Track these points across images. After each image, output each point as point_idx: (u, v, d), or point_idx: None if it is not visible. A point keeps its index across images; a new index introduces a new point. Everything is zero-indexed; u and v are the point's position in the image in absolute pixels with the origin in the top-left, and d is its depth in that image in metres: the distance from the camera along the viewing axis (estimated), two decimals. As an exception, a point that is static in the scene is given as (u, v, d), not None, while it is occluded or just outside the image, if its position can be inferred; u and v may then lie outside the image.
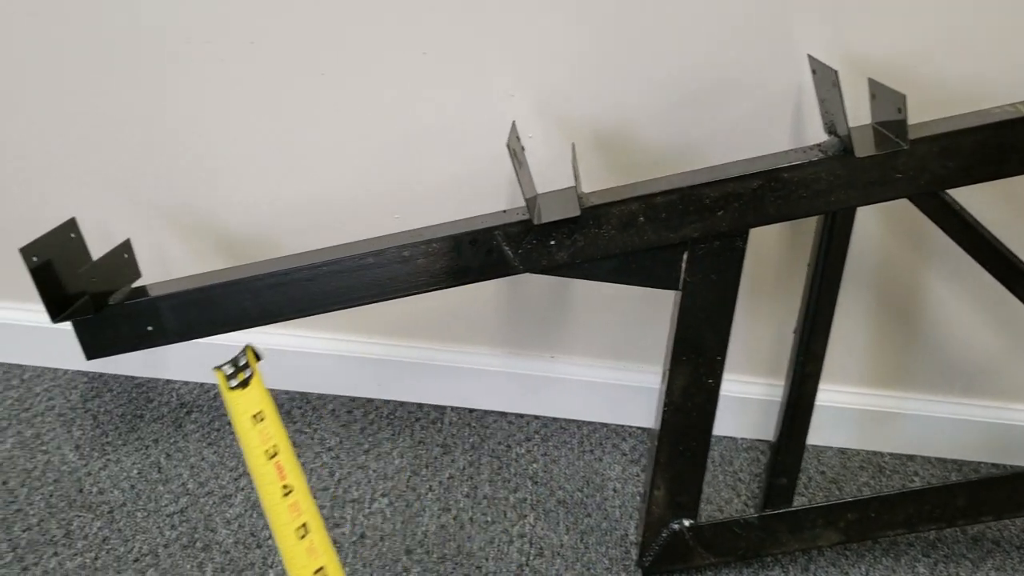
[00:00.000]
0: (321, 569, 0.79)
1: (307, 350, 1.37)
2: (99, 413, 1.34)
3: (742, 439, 1.39)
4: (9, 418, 1.31)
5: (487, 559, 1.13)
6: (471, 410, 1.41)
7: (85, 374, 1.42)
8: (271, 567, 1.09)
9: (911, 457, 1.39)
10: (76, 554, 1.09)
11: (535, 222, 0.92)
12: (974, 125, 0.88)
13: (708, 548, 1.10)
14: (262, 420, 0.87)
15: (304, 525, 0.80)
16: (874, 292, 1.26)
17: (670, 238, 0.93)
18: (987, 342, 1.29)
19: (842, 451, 1.39)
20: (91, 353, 1.03)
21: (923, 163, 0.89)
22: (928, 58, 1.06)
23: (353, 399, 1.41)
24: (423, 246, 0.95)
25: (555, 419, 1.41)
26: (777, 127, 1.11)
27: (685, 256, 0.95)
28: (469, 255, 0.95)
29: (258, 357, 0.95)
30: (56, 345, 1.39)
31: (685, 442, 1.04)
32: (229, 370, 0.93)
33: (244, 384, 0.91)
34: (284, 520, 0.81)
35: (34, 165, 1.23)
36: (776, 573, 1.15)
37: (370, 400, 1.41)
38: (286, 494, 0.82)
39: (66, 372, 1.42)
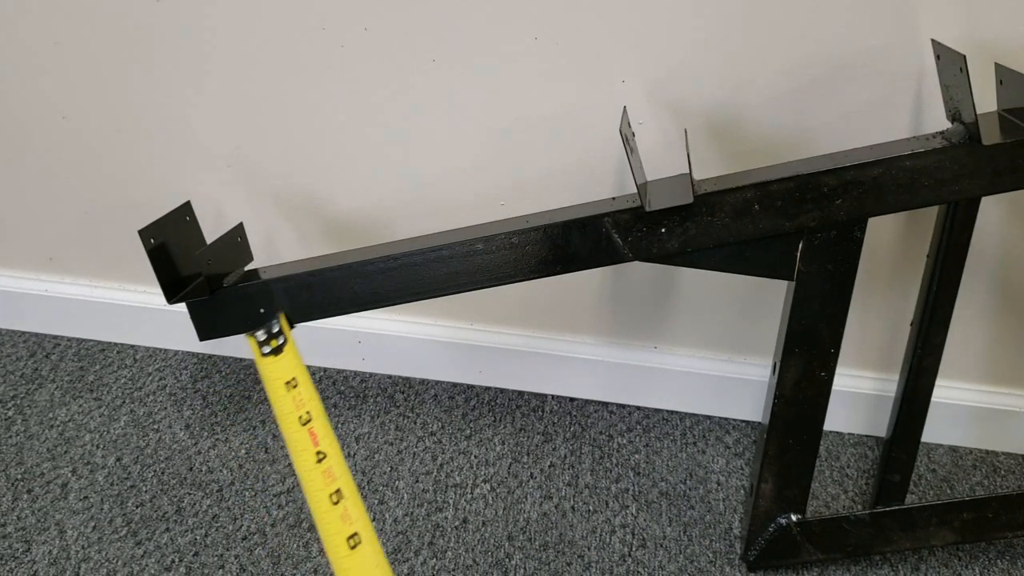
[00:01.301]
0: (355, 535, 0.78)
1: (410, 335, 1.38)
2: (208, 393, 1.37)
3: (849, 434, 1.36)
4: (123, 397, 1.35)
5: (589, 548, 1.13)
6: (572, 399, 1.41)
7: (195, 355, 1.45)
8: (376, 549, 1.11)
9: (1028, 457, 1.34)
10: (187, 530, 1.12)
11: (646, 209, 0.91)
12: (1111, 111, 0.85)
13: (816, 544, 1.07)
14: (295, 387, 0.89)
15: (338, 491, 0.81)
16: (995, 286, 1.21)
17: (786, 227, 0.91)
18: (1112, 340, 1.24)
19: (953, 449, 1.34)
20: (204, 334, 1.05)
21: (1054, 151, 0.85)
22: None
23: (455, 385, 1.41)
24: (532, 233, 0.95)
25: (657, 410, 1.39)
26: (897, 115, 1.08)
27: (801, 245, 0.93)
28: (577, 242, 0.95)
29: (291, 324, 0.97)
30: (168, 326, 1.43)
31: (795, 435, 1.02)
32: (262, 336, 0.96)
33: (277, 351, 0.93)
34: (318, 486, 0.81)
35: (153, 150, 1.26)
36: (885, 572, 1.12)
37: (471, 386, 1.41)
38: (319, 460, 0.83)
39: (176, 353, 1.46)
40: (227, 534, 1.12)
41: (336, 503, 0.80)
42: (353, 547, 0.77)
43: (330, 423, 0.86)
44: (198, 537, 1.12)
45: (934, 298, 0.99)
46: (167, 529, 1.13)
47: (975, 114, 0.85)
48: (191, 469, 1.22)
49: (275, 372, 0.91)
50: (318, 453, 0.83)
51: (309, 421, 0.85)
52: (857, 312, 1.26)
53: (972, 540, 1.08)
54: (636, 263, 1.06)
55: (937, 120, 1.06)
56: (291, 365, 0.91)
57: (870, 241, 1.18)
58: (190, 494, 1.18)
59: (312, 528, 1.13)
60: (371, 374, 1.42)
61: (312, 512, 0.81)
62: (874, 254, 1.20)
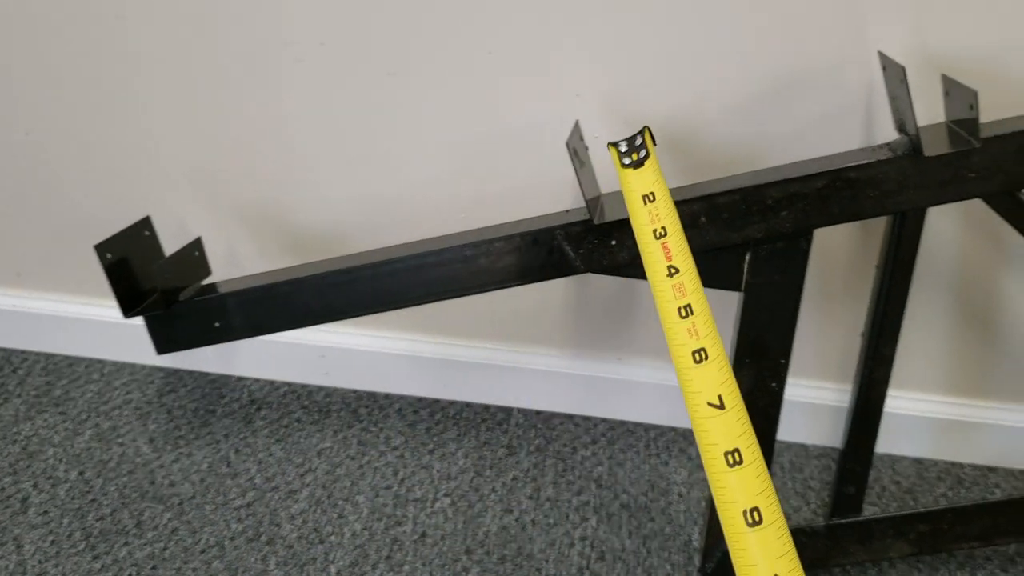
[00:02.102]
0: (701, 350, 0.73)
1: (375, 350, 1.38)
2: (174, 407, 1.37)
3: (813, 446, 1.36)
4: (88, 411, 1.35)
5: (547, 561, 1.13)
6: (538, 412, 1.41)
7: (162, 369, 1.45)
8: (332, 563, 1.10)
9: (992, 469, 1.34)
10: (146, 544, 1.12)
11: (595, 222, 0.92)
12: (1052, 123, 0.85)
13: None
14: (652, 201, 0.87)
15: (687, 306, 0.76)
16: (953, 297, 1.22)
17: (732, 239, 0.92)
18: (1073, 350, 1.24)
19: (918, 461, 1.34)
20: (161, 348, 1.06)
21: (997, 162, 0.86)
22: (1007, 53, 1.02)
23: (420, 399, 1.41)
24: (484, 246, 0.95)
25: (622, 422, 1.39)
26: (849, 126, 1.09)
27: (748, 257, 0.93)
28: (530, 255, 0.95)
29: (654, 141, 0.95)
30: (135, 341, 1.43)
31: (748, 447, 1.02)
32: (624, 147, 0.94)
33: (638, 164, 0.92)
34: (667, 298, 0.78)
35: (114, 164, 1.26)
36: (844, 584, 1.12)
37: (436, 400, 1.41)
38: (671, 274, 0.80)
39: (144, 367, 1.46)
40: (185, 548, 1.12)
41: (684, 317, 0.76)
42: (698, 361, 0.72)
43: (687, 243, 0.83)
44: (156, 551, 1.11)
45: (884, 309, 1.00)
46: (126, 543, 1.12)
47: (916, 125, 0.86)
48: (153, 483, 1.22)
49: (633, 184, 0.90)
50: (670, 267, 0.80)
51: (664, 235, 0.83)
52: (817, 323, 1.26)
53: (929, 552, 1.08)
54: (598, 276, 1.06)
55: (890, 131, 1.07)
56: (651, 180, 0.89)
57: (827, 252, 1.19)
58: (151, 508, 1.18)
59: (270, 542, 1.13)
60: (335, 388, 1.42)
61: (662, 323, 0.78)
62: (831, 265, 1.20)
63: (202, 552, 1.12)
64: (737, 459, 0.61)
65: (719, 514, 0.58)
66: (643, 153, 0.92)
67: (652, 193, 0.87)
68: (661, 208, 0.85)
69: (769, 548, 0.56)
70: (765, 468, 0.60)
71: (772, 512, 0.57)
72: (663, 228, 0.83)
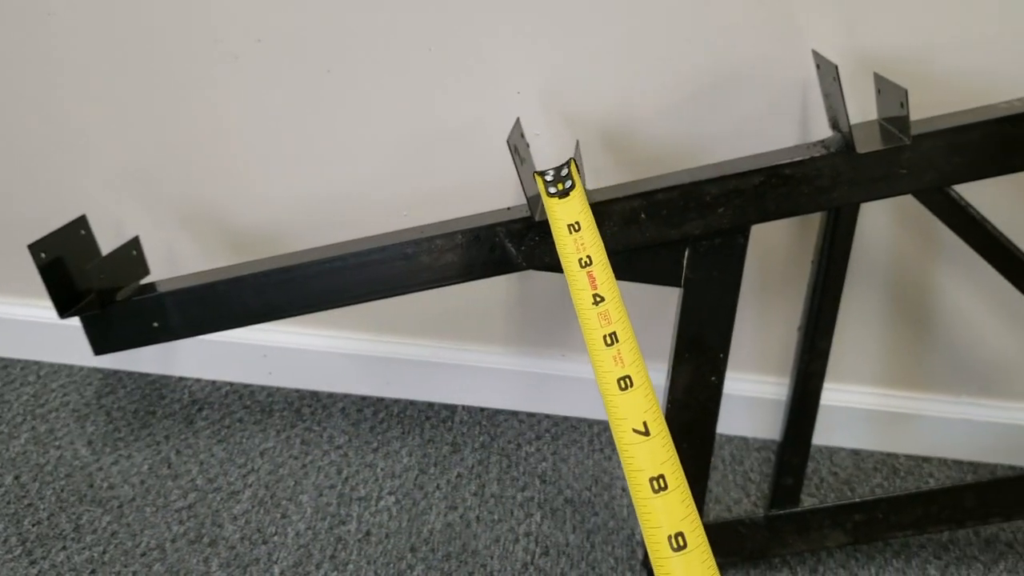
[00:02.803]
0: (626, 377, 0.74)
1: (317, 348, 1.38)
2: (112, 409, 1.35)
3: (754, 439, 1.38)
4: (24, 414, 1.33)
5: (492, 557, 1.13)
6: (482, 409, 1.41)
7: (100, 371, 1.43)
8: (276, 563, 1.10)
9: (926, 459, 1.37)
10: (84, 548, 1.11)
11: (536, 219, 0.92)
12: (979, 120, 0.87)
13: (713, 548, 1.08)
14: (578, 230, 0.87)
15: (612, 334, 0.77)
16: (887, 291, 1.24)
17: (671, 235, 0.93)
18: (1003, 341, 1.27)
19: (855, 452, 1.37)
20: (98, 348, 1.05)
21: (928, 159, 0.88)
22: (939, 53, 1.05)
23: (363, 398, 1.41)
24: (426, 243, 0.95)
25: (566, 418, 1.40)
26: (785, 123, 1.10)
27: (687, 253, 0.94)
28: (472, 252, 0.95)
29: (580, 171, 0.96)
30: (72, 342, 1.40)
31: (689, 440, 1.03)
32: (550, 177, 0.95)
33: (564, 194, 0.92)
34: (592, 326, 0.79)
35: (49, 163, 1.24)
36: (784, 574, 1.14)
37: (380, 399, 1.41)
38: (596, 303, 0.80)
39: (82, 369, 1.43)
40: (126, 551, 1.11)
41: (609, 344, 0.77)
42: (623, 388, 0.73)
43: (611, 270, 0.84)
44: (95, 555, 1.10)
45: (819, 303, 1.01)
46: (64, 547, 1.10)
47: (849, 123, 0.88)
48: (92, 486, 1.20)
49: (558, 213, 0.90)
50: (595, 296, 0.81)
51: (589, 264, 0.83)
52: (756, 318, 1.28)
53: (865, 541, 1.10)
54: (540, 272, 1.07)
55: (826, 129, 1.09)
56: (576, 209, 0.90)
57: (766, 248, 1.21)
58: (89, 511, 1.16)
59: (212, 543, 1.12)
60: (278, 388, 1.41)
61: (589, 352, 0.78)
62: (770, 261, 1.22)
63: (142, 555, 1.10)
64: (662, 485, 0.62)
65: (644, 538, 0.60)
66: (569, 183, 0.93)
67: (577, 223, 0.88)
68: (586, 237, 0.86)
69: (693, 573, 0.57)
70: (689, 494, 0.61)
71: (696, 537, 0.59)
72: (588, 257, 0.84)
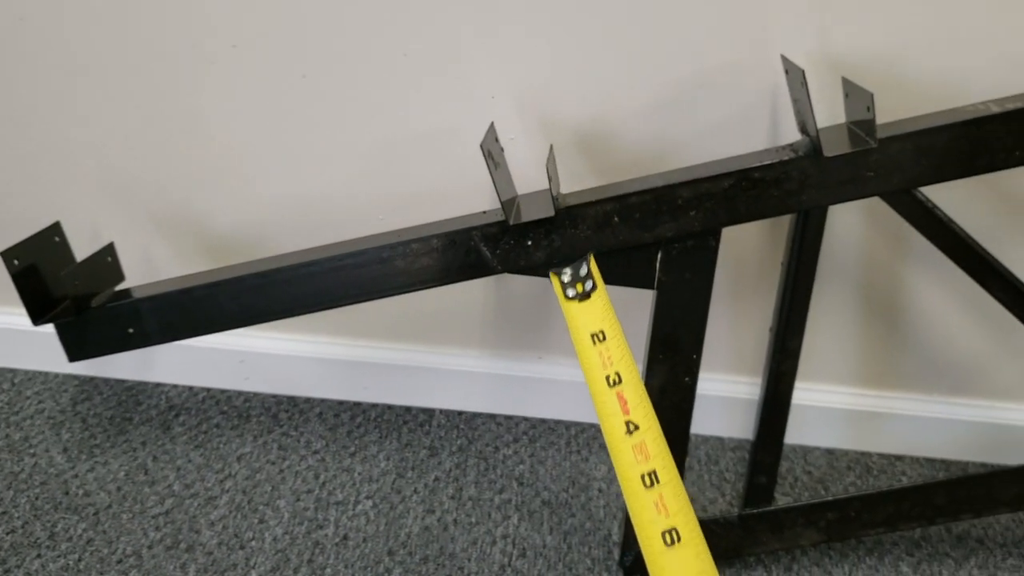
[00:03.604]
0: (672, 531, 0.63)
1: (294, 353, 1.38)
2: (88, 416, 1.35)
3: (729, 439, 1.39)
4: (-1, 422, 1.32)
5: (469, 560, 1.14)
6: (459, 412, 1.42)
7: (76, 377, 1.43)
8: (253, 568, 1.10)
9: (899, 457, 1.39)
10: (59, 556, 1.10)
11: (511, 223, 0.93)
12: (945, 123, 0.89)
13: (689, 547, 1.10)
14: (603, 340, 0.77)
15: (652, 473, 0.67)
16: (859, 292, 1.26)
17: (644, 238, 0.94)
18: (973, 340, 1.29)
19: (830, 451, 1.39)
20: (73, 355, 1.04)
21: (894, 161, 0.89)
22: (907, 57, 1.06)
23: (341, 402, 1.41)
24: (401, 247, 0.96)
25: (543, 420, 1.41)
26: (756, 127, 1.12)
27: (659, 255, 0.95)
28: (448, 256, 0.96)
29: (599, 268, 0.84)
30: (47, 349, 1.39)
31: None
32: (567, 277, 0.85)
33: (584, 296, 0.83)
34: (627, 462, 0.68)
35: (22, 168, 1.24)
36: (759, 573, 1.15)
37: (358, 403, 1.41)
38: (630, 432, 0.70)
39: (57, 376, 1.43)
40: (102, 558, 1.10)
41: (650, 486, 0.66)
42: (670, 544, 0.62)
43: (645, 389, 0.72)
44: (71, 563, 1.10)
45: (789, 304, 1.03)
46: (38, 555, 1.10)
47: (816, 126, 0.89)
48: (67, 493, 1.20)
49: (580, 320, 0.80)
50: (628, 423, 0.70)
51: (618, 383, 0.73)
52: (729, 320, 1.29)
53: (838, 539, 1.11)
54: (516, 276, 1.07)
55: (795, 133, 1.10)
56: (600, 315, 0.80)
57: (738, 250, 1.22)
58: (64, 519, 1.16)
59: (189, 549, 1.12)
60: (255, 393, 1.41)
61: (622, 489, 0.67)
62: (742, 263, 1.24)
63: (119, 562, 1.10)
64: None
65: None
66: (590, 284, 0.84)
67: (602, 331, 0.79)
68: (613, 349, 0.77)
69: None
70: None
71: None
72: (617, 375, 0.74)
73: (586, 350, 0.77)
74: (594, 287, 0.83)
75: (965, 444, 1.37)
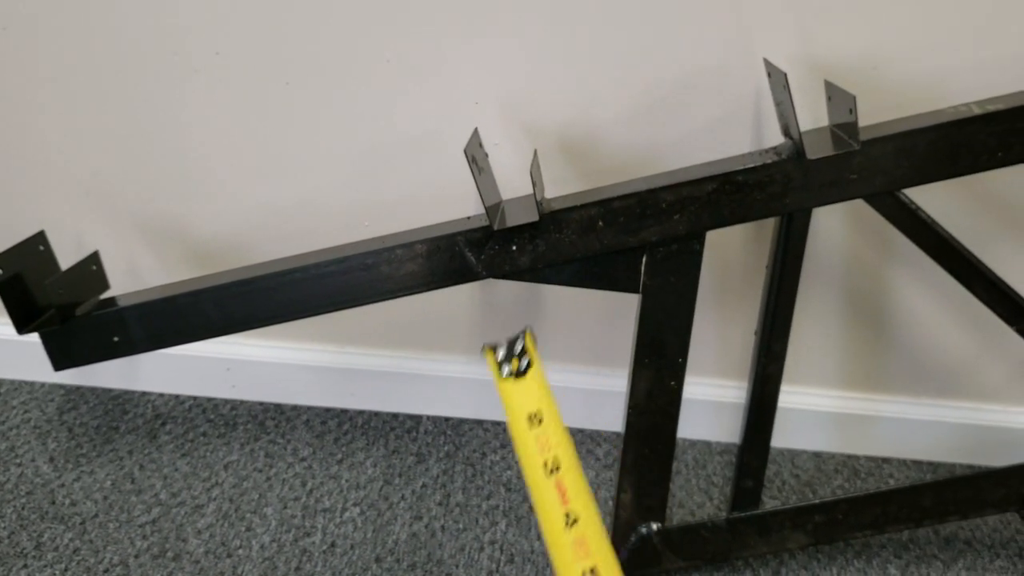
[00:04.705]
0: None
1: (281, 361, 1.38)
2: (75, 425, 1.34)
3: (716, 443, 1.39)
4: (-16, 432, 1.32)
5: (457, 566, 1.13)
6: (447, 418, 1.41)
7: (62, 387, 1.42)
8: (240, 576, 1.10)
9: (886, 460, 1.39)
10: (46, 566, 1.10)
11: (495, 228, 0.93)
12: (926, 125, 0.89)
13: (676, 552, 1.10)
14: (540, 423, 0.73)
15: (593, 570, 0.63)
16: (845, 294, 1.26)
17: (629, 242, 0.94)
18: (958, 343, 1.29)
19: (817, 455, 1.39)
20: (59, 364, 1.04)
21: (877, 164, 0.90)
22: (890, 60, 1.07)
23: (327, 409, 1.41)
24: (386, 253, 0.96)
25: (531, 426, 1.41)
26: (739, 131, 1.12)
27: (644, 259, 0.95)
28: (432, 262, 0.96)
29: (536, 343, 0.81)
30: (33, 358, 1.38)
31: (650, 445, 1.04)
32: (502, 353, 0.81)
33: (519, 374, 0.78)
34: (566, 559, 0.64)
35: (7, 178, 1.23)
36: (747, 576, 1.15)
37: (345, 410, 1.41)
38: (569, 524, 0.66)
39: (43, 385, 1.42)
40: (88, 567, 1.10)
41: None
42: None
43: (583, 474, 0.69)
44: (57, 572, 1.09)
45: (774, 307, 1.03)
46: (25, 566, 1.09)
47: (799, 129, 0.89)
48: (53, 503, 1.19)
49: (515, 400, 0.76)
50: (567, 515, 0.66)
51: (557, 470, 0.69)
52: (716, 324, 1.30)
53: (825, 542, 1.11)
54: (502, 281, 1.07)
55: (779, 136, 1.10)
56: (536, 395, 0.76)
57: (724, 254, 1.22)
58: (51, 528, 1.15)
59: (176, 557, 1.11)
60: (241, 401, 1.41)
61: None
62: (728, 267, 1.24)
63: (105, 571, 1.10)
64: None
65: None
66: (525, 361, 0.80)
67: (539, 413, 0.75)
68: (551, 433, 0.73)
69: None
70: None
71: None
72: (555, 460, 0.70)
73: (522, 434, 0.73)
74: (530, 364, 0.79)
75: (952, 446, 1.38)
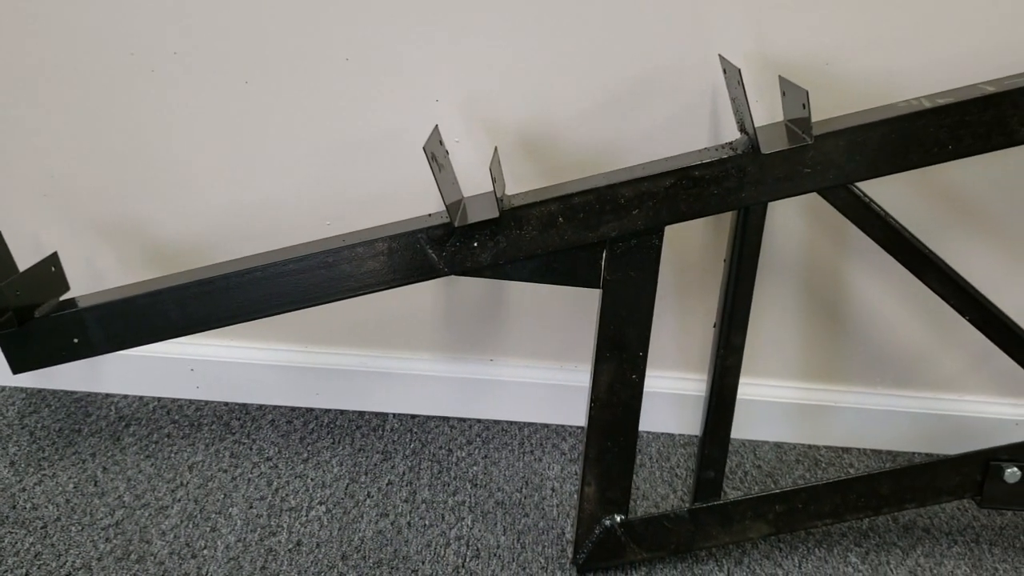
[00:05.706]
0: None
1: (245, 361, 1.37)
2: (36, 428, 1.33)
3: (679, 435, 1.41)
4: (-56, 437, 1.30)
5: (423, 562, 1.14)
6: (413, 416, 1.42)
7: (23, 390, 1.41)
8: (205, 576, 1.09)
9: (847, 450, 1.41)
10: (7, 571, 1.09)
11: (456, 224, 0.93)
12: (879, 119, 0.91)
13: (639, 543, 1.11)
14: None
15: None
16: (802, 287, 1.28)
17: (589, 237, 0.95)
18: (915, 334, 1.32)
19: (778, 445, 1.41)
20: (17, 367, 1.03)
21: (830, 158, 0.91)
22: (844, 55, 1.08)
23: (293, 409, 1.41)
24: (346, 251, 0.96)
25: (496, 421, 1.42)
26: (697, 127, 1.13)
27: (604, 255, 0.96)
28: (394, 259, 0.96)
29: None
30: (-7, 362, 1.38)
31: (613, 438, 1.05)
32: None
33: None
34: None
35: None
36: (710, 567, 1.16)
37: (310, 409, 1.41)
38: None
39: (3, 389, 1.41)
40: (50, 571, 1.09)
41: None
42: None
43: None
44: (19, 577, 1.09)
45: (732, 300, 1.04)
46: (-14, 571, 1.09)
47: (754, 124, 0.90)
48: (14, 507, 1.18)
49: None
50: None
51: None
52: (676, 318, 1.31)
53: (786, 531, 1.13)
54: (466, 278, 1.08)
55: (735, 131, 1.12)
56: None
57: (683, 249, 1.24)
58: (11, 533, 1.14)
59: (140, 559, 1.11)
60: (206, 402, 1.40)
61: None
62: (688, 261, 1.25)
63: (67, 575, 1.09)
64: None
65: None
66: None
67: None
68: None
69: None
70: None
71: None
72: None
73: None
74: None
75: (910, 435, 1.40)
